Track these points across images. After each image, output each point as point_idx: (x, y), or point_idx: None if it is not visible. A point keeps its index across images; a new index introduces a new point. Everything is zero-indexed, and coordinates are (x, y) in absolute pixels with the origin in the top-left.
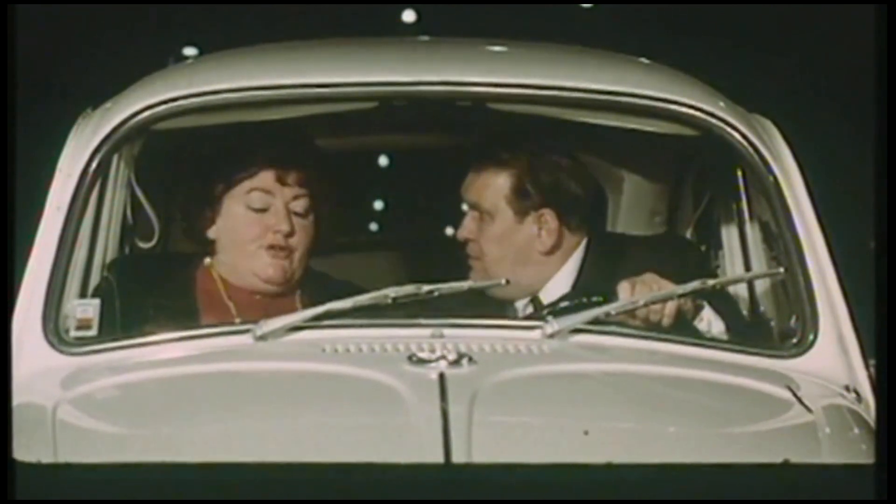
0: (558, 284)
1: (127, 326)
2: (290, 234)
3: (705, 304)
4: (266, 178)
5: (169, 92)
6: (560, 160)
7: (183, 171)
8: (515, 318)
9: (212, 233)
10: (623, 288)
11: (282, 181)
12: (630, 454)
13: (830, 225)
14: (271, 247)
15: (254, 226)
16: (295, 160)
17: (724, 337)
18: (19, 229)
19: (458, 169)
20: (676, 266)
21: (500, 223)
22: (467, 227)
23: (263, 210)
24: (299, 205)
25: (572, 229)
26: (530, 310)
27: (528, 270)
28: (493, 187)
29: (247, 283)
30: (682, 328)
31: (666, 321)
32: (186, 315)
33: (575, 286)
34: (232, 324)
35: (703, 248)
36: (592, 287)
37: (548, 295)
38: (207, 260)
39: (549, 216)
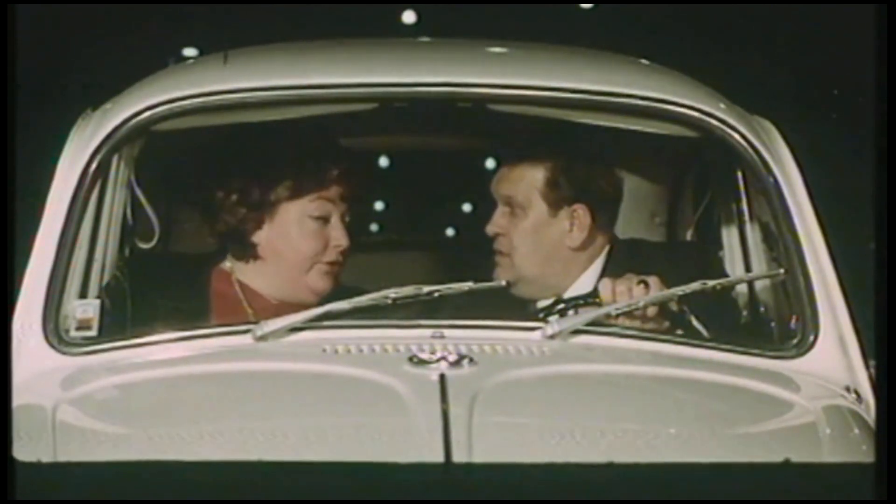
0: (582, 287)
1: (136, 327)
2: (346, 250)
3: (692, 317)
4: (334, 191)
5: (169, 92)
6: (592, 157)
7: (219, 169)
8: (530, 318)
9: (258, 237)
10: (604, 285)
11: (341, 193)
12: (630, 454)
13: (830, 226)
14: (330, 263)
15: (315, 239)
16: (358, 177)
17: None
18: (19, 229)
19: (459, 169)
20: (695, 273)
21: (533, 216)
22: (497, 223)
23: (323, 221)
24: (347, 216)
25: (601, 228)
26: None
27: (555, 267)
28: (527, 180)
29: (291, 294)
30: (682, 329)
31: (650, 311)
32: (197, 317)
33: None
34: (232, 324)
35: (721, 254)
36: None
37: (572, 295)
38: (227, 264)
39: (581, 211)
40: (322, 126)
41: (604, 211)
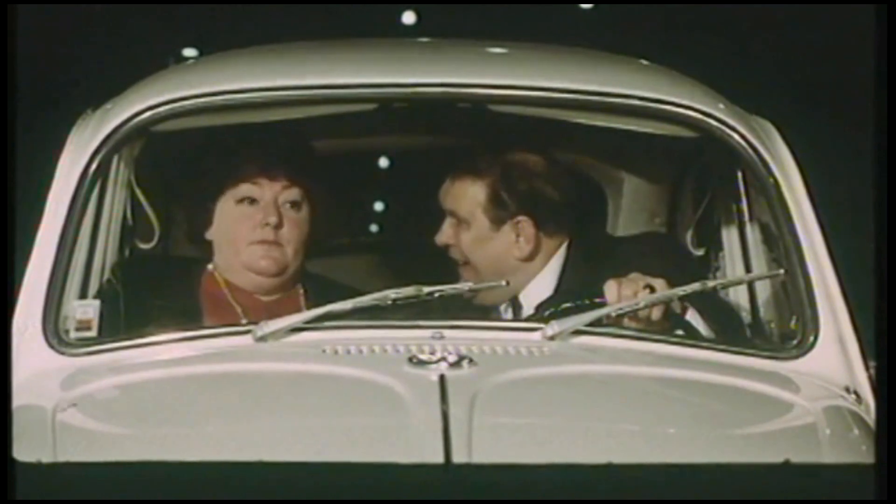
0: (539, 287)
1: (130, 328)
2: (279, 226)
3: (689, 307)
4: (253, 170)
5: (169, 93)
6: (535, 165)
7: (182, 173)
8: (516, 320)
9: (209, 234)
10: (609, 287)
11: (269, 174)
12: (630, 454)
13: (830, 226)
14: (262, 242)
15: (244, 221)
16: (283, 154)
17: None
18: (19, 230)
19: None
20: (660, 264)
21: (476, 231)
22: (446, 233)
23: (252, 202)
24: (288, 196)
25: (551, 234)
26: (510, 314)
27: (507, 275)
28: (468, 196)
29: (243, 280)
30: (682, 330)
31: (655, 315)
32: (190, 317)
33: (557, 289)
34: (232, 324)
35: (694, 248)
36: (575, 288)
37: (528, 297)
38: (210, 265)
39: (525, 223)
40: (317, 126)
41: (551, 218)
